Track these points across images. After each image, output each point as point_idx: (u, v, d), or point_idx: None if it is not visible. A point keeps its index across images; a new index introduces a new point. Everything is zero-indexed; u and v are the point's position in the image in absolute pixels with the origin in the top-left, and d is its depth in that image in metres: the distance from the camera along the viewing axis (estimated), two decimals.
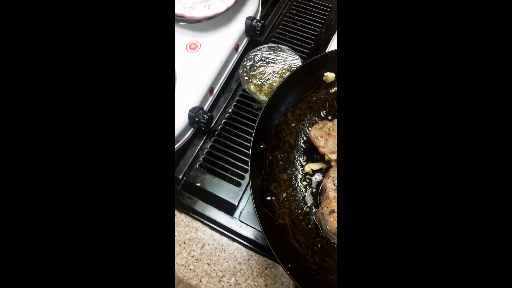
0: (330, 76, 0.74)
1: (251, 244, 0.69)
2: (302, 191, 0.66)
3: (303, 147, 0.71)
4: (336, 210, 0.58)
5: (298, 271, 0.54)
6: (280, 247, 0.56)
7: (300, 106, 0.73)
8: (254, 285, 0.65)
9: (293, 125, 0.72)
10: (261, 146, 0.65)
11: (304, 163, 0.69)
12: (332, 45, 0.90)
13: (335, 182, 0.61)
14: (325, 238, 0.61)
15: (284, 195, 0.65)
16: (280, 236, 0.59)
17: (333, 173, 0.62)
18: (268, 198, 0.62)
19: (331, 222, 0.57)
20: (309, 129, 0.69)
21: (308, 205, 0.65)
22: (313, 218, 0.63)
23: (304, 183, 0.67)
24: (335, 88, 0.74)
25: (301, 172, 0.68)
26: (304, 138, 0.72)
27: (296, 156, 0.70)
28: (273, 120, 0.69)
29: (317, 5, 1.02)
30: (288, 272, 0.52)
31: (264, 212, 0.59)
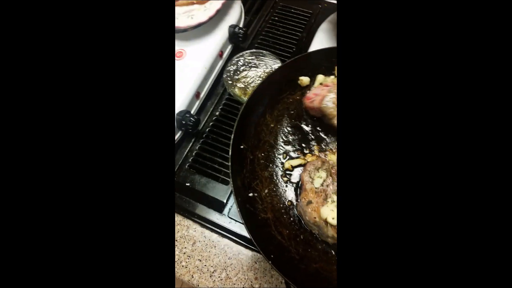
0: (304, 80, 0.75)
1: (240, 239, 0.68)
2: (283, 187, 0.65)
3: (282, 146, 0.70)
4: (312, 201, 0.58)
5: (281, 261, 0.54)
6: (262, 239, 0.56)
7: (278, 108, 0.73)
8: (244, 278, 0.65)
9: (272, 125, 0.72)
10: (242, 147, 0.65)
11: (284, 161, 0.68)
12: (312, 48, 0.90)
13: (311, 175, 0.61)
14: (307, 230, 0.60)
15: (266, 191, 0.64)
16: (262, 229, 0.59)
17: (309, 167, 0.62)
18: (250, 194, 0.62)
19: (309, 213, 0.57)
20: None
21: (289, 199, 0.64)
22: (295, 212, 0.63)
23: (285, 179, 0.66)
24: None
25: (281, 169, 0.68)
26: (284, 138, 0.71)
27: (276, 155, 0.69)
28: (252, 122, 0.69)
29: (298, 12, 1.02)
30: (270, 262, 0.52)
31: (246, 207, 0.59)
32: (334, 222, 0.55)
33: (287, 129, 0.72)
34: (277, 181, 0.66)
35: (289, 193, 0.65)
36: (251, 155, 0.67)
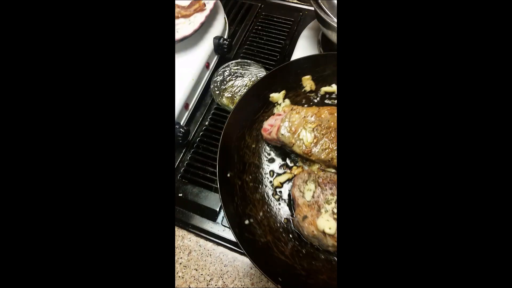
0: (275, 96, 0.74)
1: (235, 246, 0.69)
2: (277, 205, 0.66)
3: (267, 165, 0.71)
4: (307, 215, 0.58)
5: (289, 281, 0.54)
6: (267, 264, 0.55)
7: (256, 127, 0.73)
8: (241, 285, 0.66)
9: (253, 146, 0.71)
10: (228, 175, 0.65)
11: (272, 179, 0.69)
12: (294, 56, 0.91)
13: (301, 189, 0.61)
14: (308, 243, 0.61)
15: (261, 214, 0.64)
16: (265, 253, 0.59)
17: (297, 181, 0.62)
18: (246, 222, 0.62)
19: (307, 228, 0.58)
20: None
21: (285, 216, 0.65)
22: (293, 227, 0.63)
23: (277, 196, 0.67)
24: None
25: (271, 188, 0.68)
26: (267, 156, 0.72)
27: (263, 174, 0.69)
28: (234, 147, 0.69)
29: (280, 20, 1.02)
30: (278, 285, 0.52)
31: (245, 236, 0.58)
32: (331, 232, 0.55)
33: (268, 147, 0.72)
34: (270, 201, 0.66)
35: (284, 210, 0.65)
36: (239, 180, 0.66)
